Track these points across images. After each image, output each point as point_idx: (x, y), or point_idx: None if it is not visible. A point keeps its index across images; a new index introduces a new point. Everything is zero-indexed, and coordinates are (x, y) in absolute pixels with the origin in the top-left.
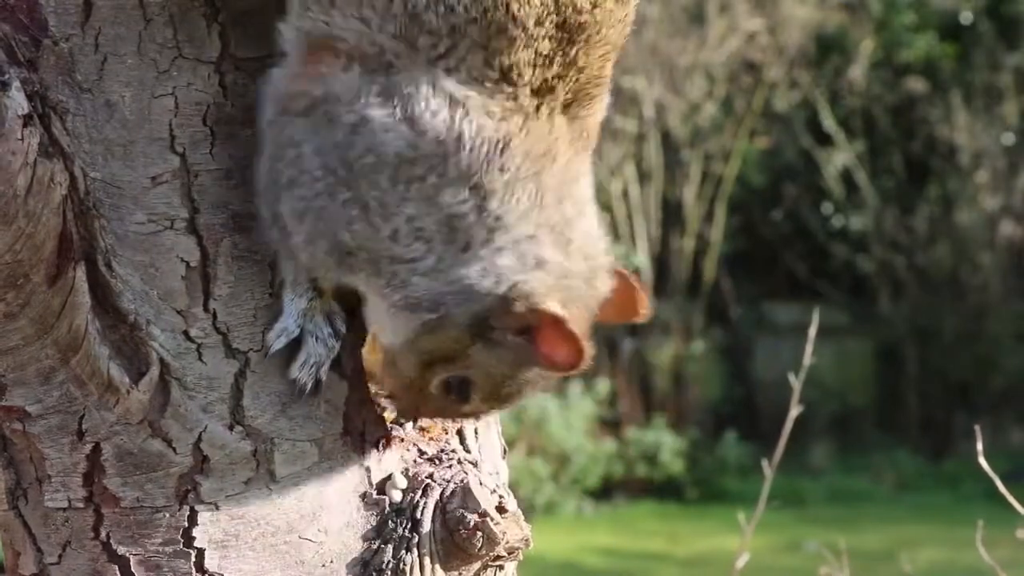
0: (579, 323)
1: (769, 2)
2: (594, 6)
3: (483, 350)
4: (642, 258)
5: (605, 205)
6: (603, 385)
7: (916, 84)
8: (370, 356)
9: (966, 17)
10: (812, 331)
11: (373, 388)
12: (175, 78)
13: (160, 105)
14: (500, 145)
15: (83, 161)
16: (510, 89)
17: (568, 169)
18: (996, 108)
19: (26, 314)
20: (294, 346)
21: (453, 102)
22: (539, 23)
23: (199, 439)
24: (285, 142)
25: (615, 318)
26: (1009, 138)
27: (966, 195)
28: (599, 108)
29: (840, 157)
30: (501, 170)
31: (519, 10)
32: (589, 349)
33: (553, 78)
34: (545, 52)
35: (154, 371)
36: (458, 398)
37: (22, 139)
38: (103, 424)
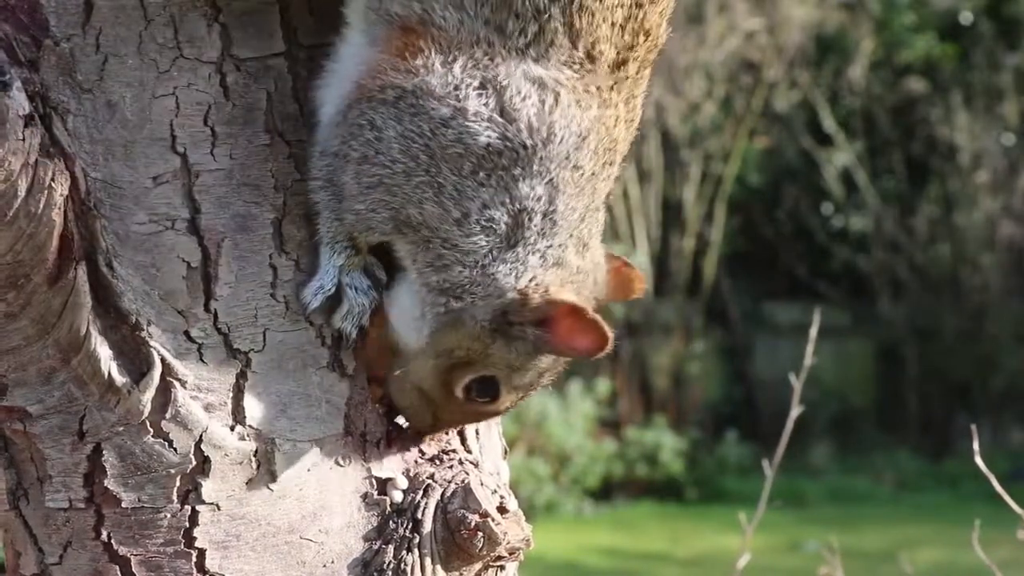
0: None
1: (768, 2)
2: None
3: (504, 346)
4: (642, 258)
5: (604, 205)
6: (603, 385)
7: (916, 84)
8: (373, 332)
9: (966, 17)
10: (812, 331)
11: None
12: (176, 78)
13: (161, 105)
14: (580, 140)
15: (84, 161)
16: (593, 67)
17: (611, 177)
18: (996, 108)
19: (27, 314)
20: (335, 299)
21: (545, 90)
22: None
23: (200, 440)
24: (364, 123)
25: (615, 297)
26: (1009, 139)
27: (966, 195)
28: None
29: (840, 157)
30: (575, 168)
31: None
32: (611, 332)
33: (626, 49)
34: (620, 22)
35: (155, 371)
36: (485, 398)
37: (23, 139)
38: (104, 424)
